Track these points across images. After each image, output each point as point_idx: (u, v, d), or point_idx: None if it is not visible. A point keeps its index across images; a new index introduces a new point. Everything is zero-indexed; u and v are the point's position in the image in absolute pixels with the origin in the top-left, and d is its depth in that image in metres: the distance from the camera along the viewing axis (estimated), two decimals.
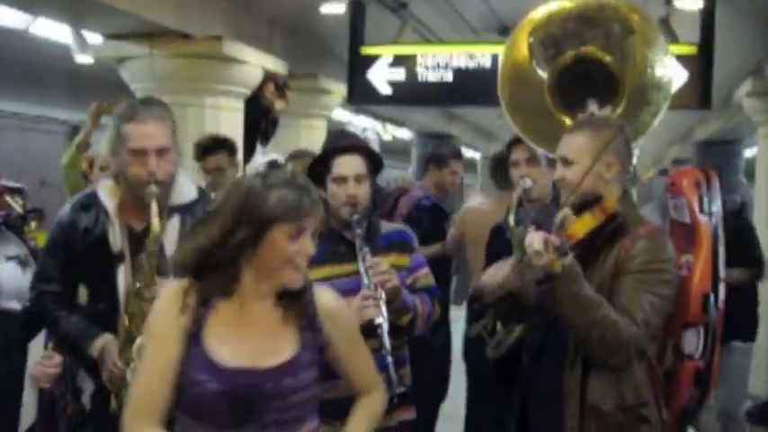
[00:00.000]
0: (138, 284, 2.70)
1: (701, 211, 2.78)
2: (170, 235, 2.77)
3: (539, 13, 3.41)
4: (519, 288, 2.61)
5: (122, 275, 2.75)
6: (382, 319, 2.68)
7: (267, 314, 2.09)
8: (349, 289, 2.74)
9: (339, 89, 7.72)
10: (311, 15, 6.88)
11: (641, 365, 2.51)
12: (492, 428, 4.10)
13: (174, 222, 2.81)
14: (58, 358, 2.78)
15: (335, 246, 2.88)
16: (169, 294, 2.07)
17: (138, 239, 2.75)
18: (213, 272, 2.03)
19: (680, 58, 5.23)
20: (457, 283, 5.51)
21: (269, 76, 6.29)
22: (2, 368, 2.86)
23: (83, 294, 2.84)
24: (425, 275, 3.04)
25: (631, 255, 2.48)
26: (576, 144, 2.62)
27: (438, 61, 6.26)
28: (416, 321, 2.91)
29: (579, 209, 2.50)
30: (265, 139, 6.20)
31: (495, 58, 5.97)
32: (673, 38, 5.86)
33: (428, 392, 4.31)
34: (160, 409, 2.00)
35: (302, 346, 2.08)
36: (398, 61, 6.33)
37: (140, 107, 2.79)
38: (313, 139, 7.33)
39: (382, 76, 6.34)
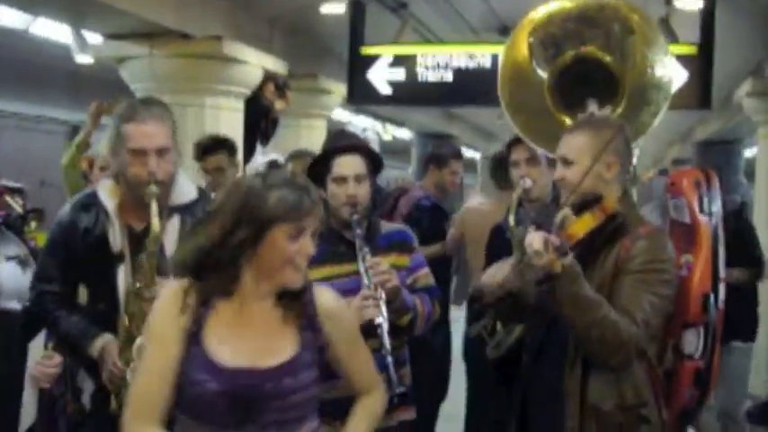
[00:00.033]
0: (138, 284, 2.70)
1: (701, 211, 2.78)
2: (170, 235, 2.77)
3: (539, 13, 3.41)
4: (519, 288, 2.61)
5: (122, 275, 2.75)
6: (382, 319, 2.68)
7: (267, 314, 2.09)
8: (349, 289, 2.74)
9: (339, 89, 7.72)
10: (311, 15, 6.88)
11: (641, 365, 2.51)
12: (492, 428, 4.10)
13: (174, 222, 2.81)
14: (57, 358, 2.78)
15: (335, 246, 2.88)
16: (169, 294, 2.07)
17: (138, 239, 2.75)
18: (213, 272, 2.03)
19: (680, 58, 5.22)
20: (457, 283, 5.51)
21: (269, 76, 6.29)
22: (2, 368, 2.86)
23: (83, 294, 2.84)
24: (425, 275, 3.04)
25: (631, 255, 2.48)
26: (575, 144, 2.62)
27: (438, 61, 6.26)
28: (416, 321, 2.91)
29: (579, 209, 2.50)
30: (265, 139, 6.20)
31: (495, 58, 5.97)
32: (673, 38, 5.86)
33: (428, 392, 4.31)
34: (160, 409, 2.00)
35: (302, 346, 2.08)
36: (398, 61, 6.32)
37: (140, 107, 2.78)
38: (313, 139, 7.32)
39: (382, 76, 6.33)
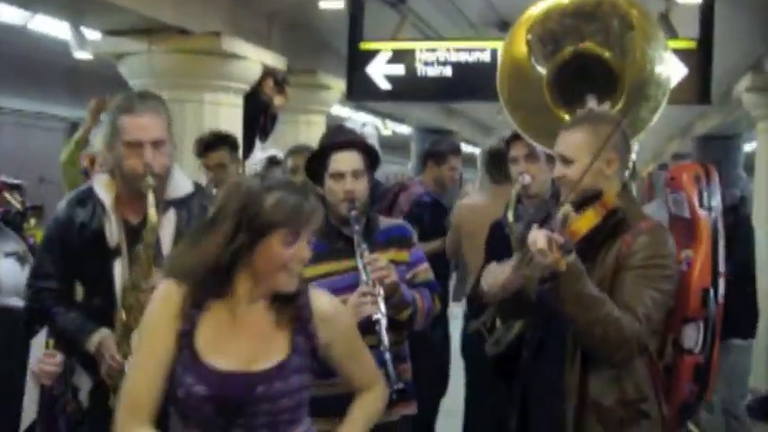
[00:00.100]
0: (134, 275, 2.70)
1: (701, 205, 2.78)
2: (166, 229, 2.77)
3: (537, 9, 3.40)
4: (521, 287, 2.60)
5: (119, 270, 2.74)
6: (380, 316, 2.68)
7: (260, 317, 2.07)
8: (347, 285, 2.74)
9: (338, 85, 7.71)
10: (310, 11, 6.88)
11: (642, 360, 2.51)
12: (491, 423, 4.11)
13: (171, 216, 2.80)
14: (59, 357, 2.77)
15: (334, 242, 2.88)
16: (163, 294, 2.07)
17: (134, 233, 2.74)
18: (209, 276, 2.02)
19: (679, 52, 5.22)
20: (456, 280, 5.52)
21: (268, 72, 6.29)
22: (3, 365, 2.86)
23: (79, 292, 2.83)
24: (425, 270, 3.04)
25: (633, 250, 2.47)
26: (574, 142, 2.61)
27: (437, 56, 6.25)
28: (416, 316, 2.91)
29: (579, 205, 2.49)
30: (264, 134, 6.20)
31: (494, 52, 5.96)
32: (672, 34, 5.85)
33: (428, 388, 4.31)
34: (152, 407, 2.00)
35: (294, 349, 2.07)
36: (397, 57, 6.31)
37: (135, 100, 2.78)
38: (312, 134, 7.32)
39: (381, 72, 6.32)
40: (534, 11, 3.40)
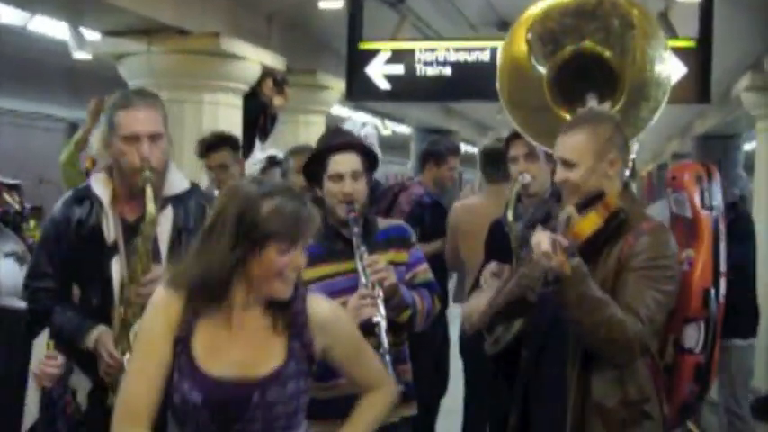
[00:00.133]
0: (132, 268, 2.68)
1: (703, 205, 2.77)
2: (163, 225, 2.76)
3: (537, 8, 3.39)
4: (517, 296, 2.59)
5: (116, 267, 2.73)
6: (380, 318, 2.67)
7: (256, 323, 2.07)
8: (347, 287, 2.74)
9: (337, 85, 7.71)
10: (309, 11, 6.88)
11: (644, 361, 2.50)
12: (491, 423, 4.10)
13: (168, 213, 2.79)
14: (60, 358, 2.76)
15: (333, 244, 2.87)
16: (161, 302, 2.06)
17: (131, 230, 2.73)
18: (207, 284, 2.02)
19: (679, 52, 5.21)
20: (456, 281, 5.51)
21: (267, 73, 6.28)
22: (4, 366, 2.85)
23: (76, 294, 2.82)
24: (424, 271, 3.03)
25: (635, 251, 2.46)
26: (574, 145, 2.59)
27: (437, 56, 6.23)
28: (416, 318, 2.90)
29: (582, 206, 2.48)
30: (264, 135, 6.19)
31: (493, 52, 5.94)
32: (671, 33, 5.85)
33: (428, 387, 4.30)
34: (148, 412, 2.00)
35: (290, 356, 2.06)
36: (397, 57, 6.30)
37: (132, 95, 2.79)
38: (311, 135, 7.31)
39: (381, 72, 6.31)
40: (534, 10, 3.39)
